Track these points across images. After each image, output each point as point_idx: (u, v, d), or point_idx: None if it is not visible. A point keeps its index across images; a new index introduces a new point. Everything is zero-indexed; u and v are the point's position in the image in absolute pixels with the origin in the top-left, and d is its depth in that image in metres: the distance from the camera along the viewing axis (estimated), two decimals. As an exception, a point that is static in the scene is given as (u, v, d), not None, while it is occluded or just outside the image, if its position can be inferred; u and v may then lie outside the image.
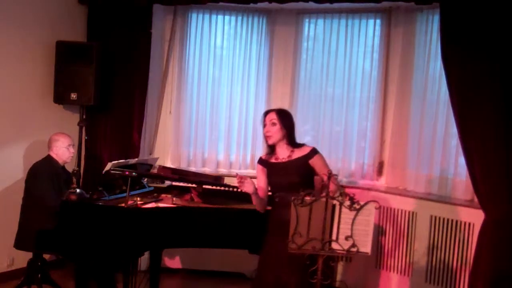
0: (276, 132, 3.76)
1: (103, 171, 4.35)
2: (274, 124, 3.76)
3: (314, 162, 3.75)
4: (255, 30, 5.94)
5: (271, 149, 3.85)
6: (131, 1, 5.54)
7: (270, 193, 3.93)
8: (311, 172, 3.78)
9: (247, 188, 3.72)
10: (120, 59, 5.65)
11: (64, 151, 4.82)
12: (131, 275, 4.28)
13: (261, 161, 3.91)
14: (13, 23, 5.19)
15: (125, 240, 4.06)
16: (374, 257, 5.30)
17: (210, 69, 6.00)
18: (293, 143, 3.82)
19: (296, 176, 3.70)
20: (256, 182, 3.86)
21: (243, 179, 3.71)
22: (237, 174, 3.76)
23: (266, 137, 3.80)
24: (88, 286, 4.53)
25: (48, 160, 4.78)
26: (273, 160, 3.84)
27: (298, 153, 3.78)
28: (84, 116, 5.60)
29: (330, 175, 3.34)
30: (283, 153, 3.82)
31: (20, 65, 5.30)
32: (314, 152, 3.78)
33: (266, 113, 3.83)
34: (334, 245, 3.34)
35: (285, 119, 3.81)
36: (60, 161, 4.82)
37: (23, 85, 5.35)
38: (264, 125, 3.80)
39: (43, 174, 4.64)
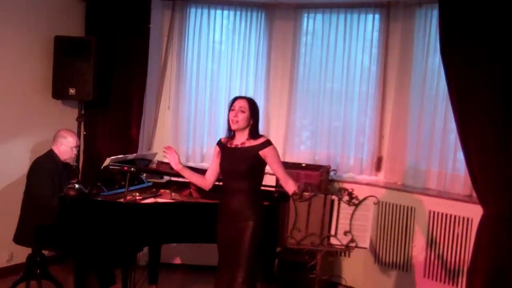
0: (243, 119, 3.74)
1: (102, 167, 4.35)
2: (243, 111, 3.75)
3: (265, 153, 3.73)
4: (253, 25, 5.94)
5: (232, 134, 3.86)
6: (130, -5, 5.55)
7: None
8: (261, 163, 3.76)
9: (171, 160, 3.88)
10: (118, 54, 5.65)
11: (67, 150, 4.78)
12: (130, 270, 4.28)
13: (219, 143, 3.95)
14: (11, 18, 5.17)
15: (124, 235, 4.06)
16: (373, 252, 5.32)
17: (208, 64, 6.00)
18: (253, 134, 3.80)
19: (243, 164, 3.71)
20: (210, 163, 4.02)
21: (168, 150, 3.87)
22: (168, 146, 3.91)
23: (231, 122, 3.78)
24: (87, 281, 4.54)
25: (50, 156, 4.74)
26: (229, 145, 3.87)
27: (252, 143, 3.78)
28: (83, 111, 5.60)
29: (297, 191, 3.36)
30: (240, 140, 3.82)
31: (18, 60, 5.29)
32: (266, 143, 3.76)
33: (236, 99, 3.83)
34: (333, 240, 3.35)
35: (254, 109, 3.81)
36: (61, 158, 4.81)
37: (22, 80, 5.34)
38: (232, 110, 3.78)
39: (42, 172, 4.61)
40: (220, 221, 3.85)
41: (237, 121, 3.74)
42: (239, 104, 3.77)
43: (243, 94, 5.86)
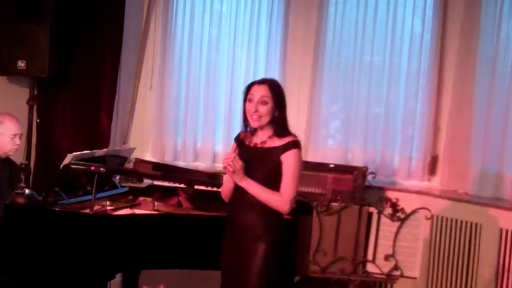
0: (265, 113, 3.66)
1: (61, 166, 4.37)
2: (265, 102, 3.66)
3: (285, 157, 3.66)
4: (266, -25, 5.95)
5: (251, 129, 3.79)
6: None
7: None
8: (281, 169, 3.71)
9: (236, 176, 3.64)
10: (84, 16, 5.68)
11: (6, 140, 4.71)
12: (97, 304, 4.32)
13: (237, 139, 3.89)
14: None
15: (89, 257, 4.08)
16: (425, 283, 5.32)
17: (205, 29, 6.02)
18: (279, 130, 3.73)
19: (259, 169, 3.67)
20: None
21: (235, 161, 3.61)
22: (234, 155, 3.65)
23: (250, 118, 3.70)
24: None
25: None
26: (247, 142, 3.81)
27: (274, 142, 3.71)
28: (35, 92, 5.62)
29: None
30: (261, 137, 3.76)
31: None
32: (288, 145, 3.68)
33: (253, 85, 3.75)
34: (370, 267, 3.35)
35: (280, 96, 3.74)
36: (0, 152, 4.79)
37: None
38: (249, 100, 3.70)
39: None
40: (225, 238, 3.86)
41: (260, 116, 3.67)
42: (259, 92, 3.68)
43: (252, 70, 5.96)
